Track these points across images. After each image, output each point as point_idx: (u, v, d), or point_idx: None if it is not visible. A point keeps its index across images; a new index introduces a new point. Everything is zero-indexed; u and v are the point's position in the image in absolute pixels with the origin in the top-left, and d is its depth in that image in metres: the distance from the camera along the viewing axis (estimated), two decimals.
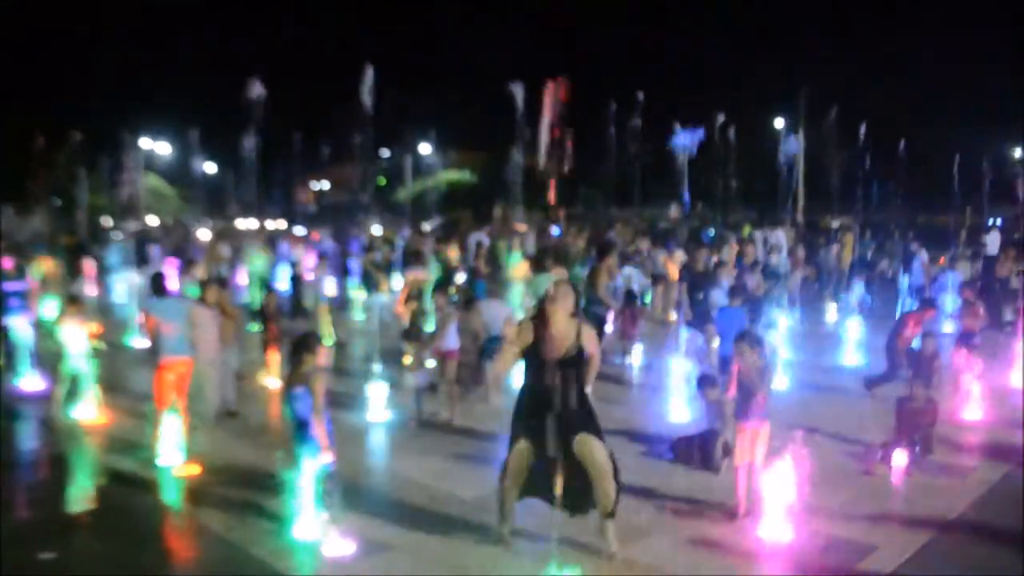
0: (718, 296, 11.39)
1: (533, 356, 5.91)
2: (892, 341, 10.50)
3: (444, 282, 11.98)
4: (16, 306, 11.55)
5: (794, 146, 32.81)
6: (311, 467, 6.16)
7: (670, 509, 6.89)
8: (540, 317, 5.97)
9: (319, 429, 6.20)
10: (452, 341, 9.36)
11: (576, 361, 5.86)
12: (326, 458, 6.21)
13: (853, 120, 47.16)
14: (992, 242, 20.81)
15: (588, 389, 6.03)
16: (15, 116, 38.21)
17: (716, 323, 10.28)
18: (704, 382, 8.31)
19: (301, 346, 6.38)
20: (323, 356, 6.45)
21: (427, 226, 35.11)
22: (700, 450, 7.88)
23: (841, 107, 45.30)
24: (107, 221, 37.41)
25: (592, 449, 5.78)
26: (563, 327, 5.87)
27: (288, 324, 11.43)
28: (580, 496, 5.86)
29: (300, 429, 6.20)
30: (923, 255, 17.59)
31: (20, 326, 11.38)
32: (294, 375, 6.32)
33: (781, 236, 21.82)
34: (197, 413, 8.87)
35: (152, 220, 38.60)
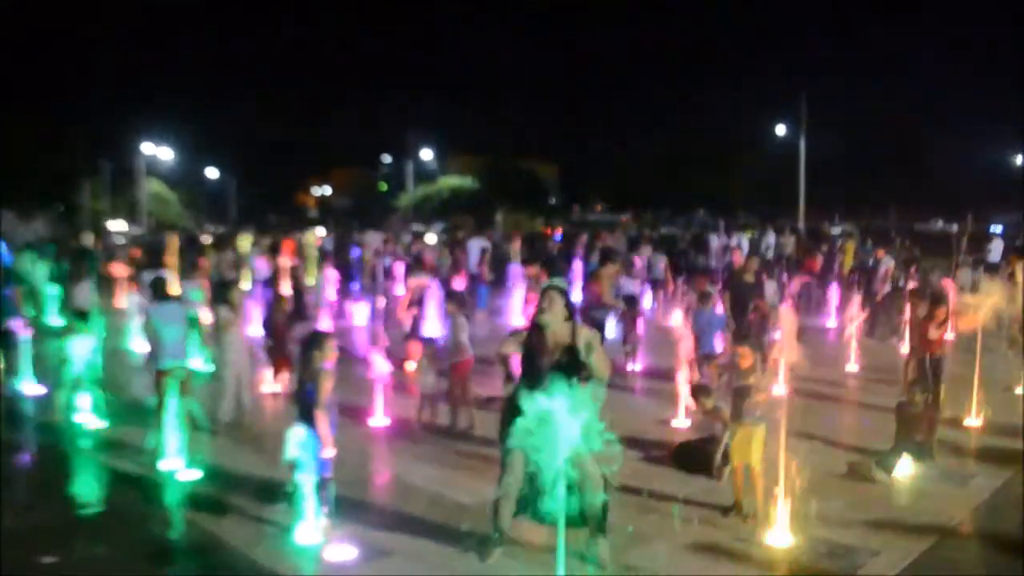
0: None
1: (528, 363, 5.91)
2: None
3: (453, 290, 11.92)
4: (12, 309, 11.58)
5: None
6: (312, 464, 6.19)
7: (671, 515, 6.89)
8: (536, 326, 5.98)
9: (323, 425, 6.23)
10: (465, 351, 9.29)
11: (571, 366, 5.78)
12: (328, 454, 6.24)
13: (854, 126, 47.27)
14: (995, 249, 20.81)
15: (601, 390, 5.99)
16: (16, 118, 38.29)
17: (693, 326, 10.35)
18: (699, 391, 8.32)
19: (311, 344, 6.43)
20: (333, 355, 6.46)
21: (431, 233, 35.12)
22: (701, 456, 7.88)
23: (842, 113, 45.38)
24: (121, 224, 37.37)
25: (581, 461, 5.77)
26: (558, 332, 5.87)
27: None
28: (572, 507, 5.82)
29: (305, 424, 6.23)
30: (888, 262, 17.61)
31: (18, 329, 11.40)
32: (305, 373, 6.35)
33: (744, 240, 22.07)
34: (210, 415, 8.89)
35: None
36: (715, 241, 23.22)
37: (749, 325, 10.99)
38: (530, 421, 5.67)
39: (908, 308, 11.09)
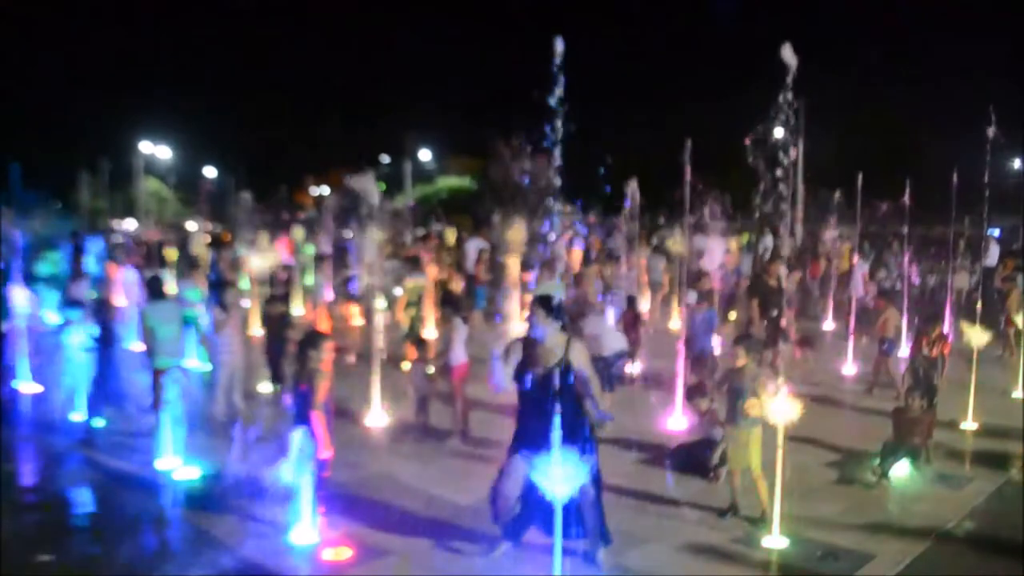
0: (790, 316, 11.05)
1: (522, 371, 5.91)
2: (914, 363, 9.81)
3: (449, 294, 11.89)
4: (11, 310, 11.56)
5: None
6: (309, 465, 6.19)
7: (668, 516, 6.90)
8: (529, 337, 5.98)
9: (319, 426, 6.22)
10: (460, 354, 9.23)
11: (564, 376, 5.77)
12: (325, 454, 6.24)
13: (852, 130, 47.30)
14: (992, 253, 20.83)
15: (601, 405, 5.98)
16: (16, 118, 38.27)
17: (690, 323, 10.38)
18: (693, 392, 8.32)
19: (307, 344, 6.42)
20: (329, 354, 6.46)
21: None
22: (698, 458, 7.89)
23: (840, 116, 45.37)
24: (130, 224, 37.17)
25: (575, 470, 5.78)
26: (550, 342, 5.87)
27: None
28: (572, 518, 5.82)
29: (301, 426, 6.23)
30: (864, 267, 17.66)
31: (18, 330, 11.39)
32: (299, 373, 6.35)
33: (719, 243, 22.14)
34: (205, 415, 8.89)
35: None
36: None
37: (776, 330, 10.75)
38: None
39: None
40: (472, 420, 9.33)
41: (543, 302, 5.98)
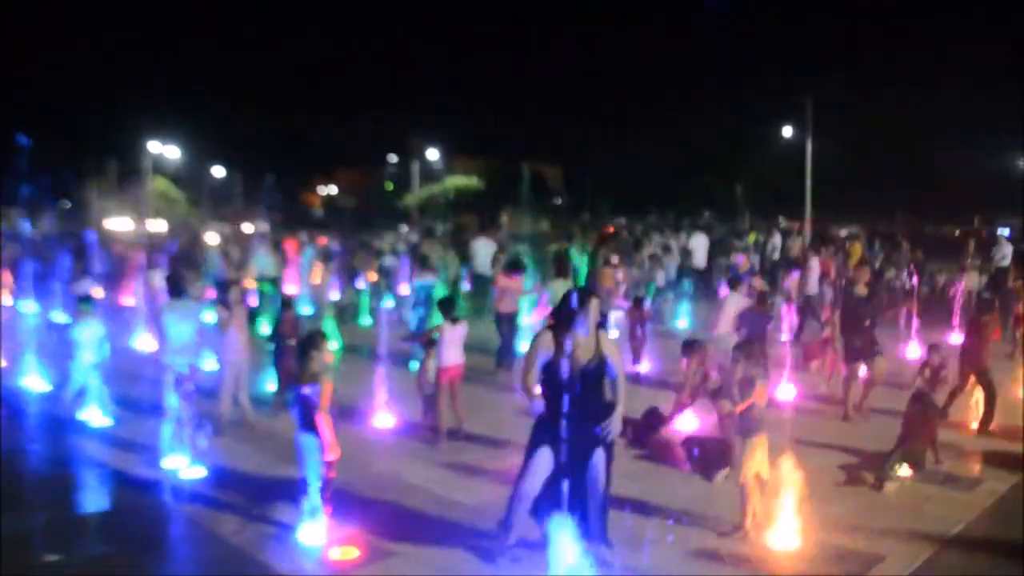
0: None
1: (554, 367, 5.84)
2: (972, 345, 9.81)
3: (447, 297, 11.81)
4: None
5: None
6: (316, 467, 6.18)
7: (674, 518, 6.85)
8: (559, 326, 5.92)
9: (326, 427, 6.21)
10: (449, 356, 9.03)
11: (598, 371, 5.83)
12: (333, 455, 6.23)
13: (861, 128, 47.16)
14: (1006, 253, 20.70)
15: (620, 408, 5.93)
16: (21, 119, 38.44)
17: (740, 327, 10.19)
18: (719, 394, 8.21)
19: (309, 344, 6.39)
20: (330, 355, 6.44)
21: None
22: (707, 458, 7.85)
23: (851, 116, 45.25)
24: (161, 224, 37.29)
25: (597, 468, 5.78)
26: (584, 337, 5.85)
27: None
28: (581, 518, 5.79)
29: (307, 428, 6.22)
30: (814, 262, 17.59)
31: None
32: (303, 374, 6.33)
33: (701, 241, 22.27)
34: (211, 414, 8.89)
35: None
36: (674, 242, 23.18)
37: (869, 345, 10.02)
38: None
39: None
40: (478, 421, 9.30)
41: (590, 296, 5.96)
